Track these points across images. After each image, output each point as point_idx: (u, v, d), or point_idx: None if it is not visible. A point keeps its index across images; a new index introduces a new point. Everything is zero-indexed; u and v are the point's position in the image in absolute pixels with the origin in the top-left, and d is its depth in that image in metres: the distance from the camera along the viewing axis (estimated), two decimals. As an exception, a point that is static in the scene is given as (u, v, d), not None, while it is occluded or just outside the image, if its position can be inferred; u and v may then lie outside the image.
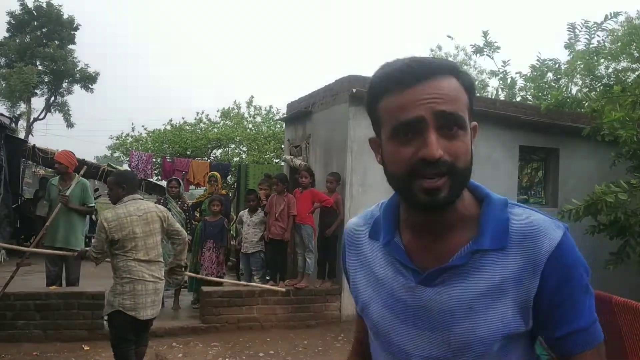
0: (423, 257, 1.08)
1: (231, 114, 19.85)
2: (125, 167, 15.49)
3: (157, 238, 4.21)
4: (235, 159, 17.74)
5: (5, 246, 5.84)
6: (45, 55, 26.60)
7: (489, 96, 14.03)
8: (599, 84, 8.35)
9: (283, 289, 6.77)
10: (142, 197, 4.36)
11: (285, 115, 10.33)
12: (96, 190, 13.98)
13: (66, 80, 28.28)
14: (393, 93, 0.99)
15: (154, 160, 13.95)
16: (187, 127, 19.08)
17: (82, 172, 6.64)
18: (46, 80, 27.86)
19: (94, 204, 6.81)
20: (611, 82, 7.93)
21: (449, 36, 24.68)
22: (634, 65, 8.63)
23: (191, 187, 14.26)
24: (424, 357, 1.07)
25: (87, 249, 4.41)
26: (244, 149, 18.60)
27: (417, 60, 1.00)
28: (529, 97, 10.90)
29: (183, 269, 4.78)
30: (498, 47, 9.94)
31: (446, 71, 0.99)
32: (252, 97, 20.12)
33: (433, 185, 0.96)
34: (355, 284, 1.23)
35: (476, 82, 17.75)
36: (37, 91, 27.59)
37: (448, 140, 0.96)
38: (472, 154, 1.01)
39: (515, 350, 1.06)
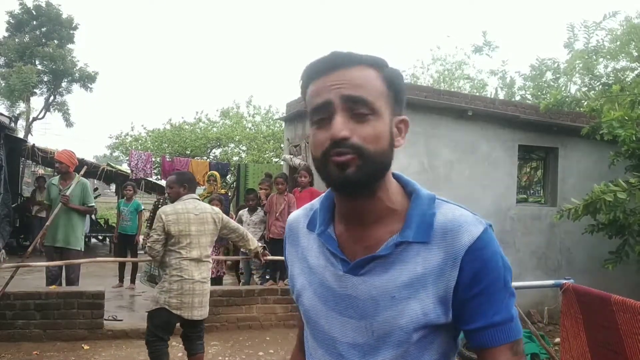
0: (353, 248, 1.13)
1: (230, 114, 19.86)
2: (125, 166, 15.49)
3: (209, 239, 4.29)
4: (234, 159, 17.77)
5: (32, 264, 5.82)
6: (45, 54, 26.56)
7: (488, 95, 14.04)
8: (598, 83, 8.35)
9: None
10: (200, 198, 4.49)
11: (284, 115, 10.33)
12: (96, 189, 13.99)
13: (65, 80, 28.24)
14: (312, 81, 1.08)
15: (153, 159, 13.93)
16: (187, 127, 19.10)
17: (82, 171, 6.65)
18: (45, 79, 27.82)
19: (93, 204, 6.82)
20: (610, 82, 7.93)
21: (447, 36, 24.65)
22: (633, 65, 8.63)
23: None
24: (348, 344, 1.11)
25: (146, 243, 4.41)
26: (244, 148, 18.62)
27: (338, 53, 1.07)
28: (528, 97, 10.90)
29: (263, 250, 5.01)
30: (497, 47, 9.94)
31: (362, 62, 1.05)
32: (252, 96, 20.20)
33: (340, 160, 1.01)
34: (292, 274, 1.28)
35: (466, 86, 17.76)
36: (37, 90, 27.55)
37: (357, 124, 1.02)
38: (391, 141, 1.07)
39: (436, 341, 1.09)
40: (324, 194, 1.25)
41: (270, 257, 5.30)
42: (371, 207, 1.10)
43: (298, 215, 1.32)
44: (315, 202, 1.28)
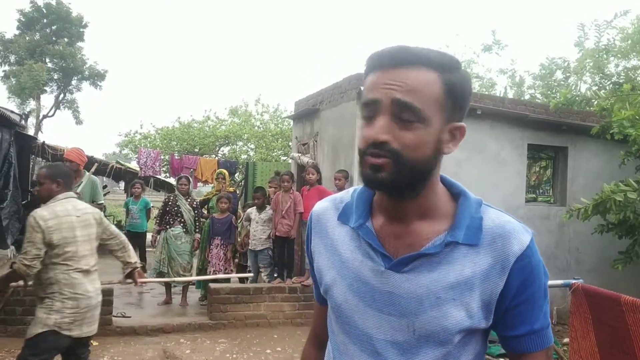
0: (394, 244, 1.11)
1: (239, 112, 19.89)
2: (134, 164, 15.55)
3: (94, 245, 3.63)
4: (243, 157, 17.79)
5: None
6: (55, 52, 26.74)
7: (498, 94, 13.99)
8: (609, 82, 8.29)
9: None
10: (76, 196, 3.74)
11: (293, 113, 10.34)
12: (105, 187, 14.04)
13: (75, 78, 28.43)
14: (371, 72, 1.05)
15: (162, 157, 14.00)
16: (196, 125, 19.14)
17: (92, 169, 6.69)
18: (55, 77, 28.02)
19: (102, 201, 6.86)
20: (621, 81, 7.87)
21: (456, 34, 24.58)
22: (644, 64, 8.57)
23: (199, 184, 14.31)
24: (387, 341, 1.09)
25: (14, 261, 3.65)
26: (252, 146, 18.64)
27: (402, 48, 1.02)
28: (538, 96, 10.85)
29: (139, 269, 4.06)
30: (506, 46, 9.92)
31: (425, 64, 1.01)
32: (260, 94, 20.21)
33: (374, 161, 1.01)
34: (318, 266, 1.25)
35: (475, 85, 17.72)
36: (47, 88, 27.77)
37: (401, 129, 1.00)
38: (437, 148, 1.04)
39: (473, 342, 1.11)
40: (360, 188, 1.22)
41: (143, 280, 4.54)
42: (415, 206, 1.09)
43: (325, 206, 1.28)
44: (344, 195, 1.26)
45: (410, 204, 1.08)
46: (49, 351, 3.43)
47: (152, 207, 9.34)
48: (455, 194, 1.14)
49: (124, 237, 3.93)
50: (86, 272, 3.51)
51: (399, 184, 1.02)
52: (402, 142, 0.99)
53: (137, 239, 9.13)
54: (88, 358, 3.76)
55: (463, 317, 1.04)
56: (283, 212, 6.92)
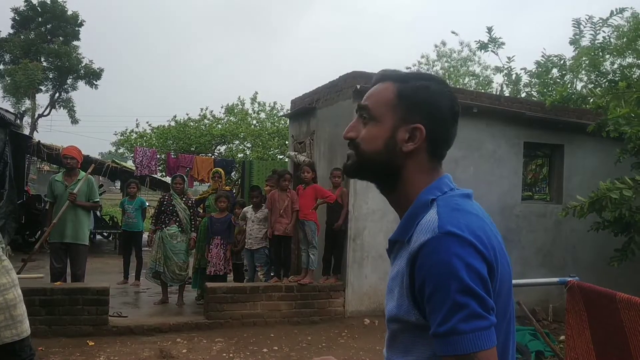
0: None
1: (235, 110, 19.85)
2: (130, 163, 15.52)
3: None
4: (239, 155, 17.77)
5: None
6: (50, 51, 26.67)
7: (494, 92, 13.99)
8: (604, 80, 8.30)
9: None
10: None
11: (289, 112, 10.33)
12: (101, 186, 14.00)
13: (71, 77, 28.36)
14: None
15: (158, 156, 13.95)
16: (192, 124, 19.10)
17: (90, 169, 6.69)
18: (51, 76, 27.95)
19: (98, 200, 6.84)
20: (616, 78, 7.88)
21: (453, 32, 24.60)
22: (639, 61, 8.58)
23: (195, 183, 14.29)
24: (386, 318, 1.27)
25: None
26: (248, 145, 18.62)
27: (381, 71, 1.29)
28: (534, 93, 10.86)
29: None
30: (503, 43, 9.89)
31: (389, 79, 1.25)
32: (256, 93, 20.12)
33: (348, 153, 1.27)
34: None
35: (471, 83, 17.74)
36: (42, 87, 27.70)
37: (363, 126, 1.24)
38: (391, 144, 1.20)
39: (423, 342, 1.11)
40: None
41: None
42: (394, 203, 1.27)
43: None
44: None
45: (391, 200, 1.28)
46: None
47: (148, 206, 9.31)
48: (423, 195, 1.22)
49: None
50: None
51: (359, 171, 1.27)
52: (361, 136, 1.24)
53: (133, 238, 9.13)
54: None
55: (393, 306, 1.17)
56: (281, 211, 6.91)
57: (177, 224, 7.31)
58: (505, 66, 11.10)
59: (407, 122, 1.20)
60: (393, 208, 1.29)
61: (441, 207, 1.13)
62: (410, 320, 1.12)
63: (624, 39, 7.85)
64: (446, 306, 1.02)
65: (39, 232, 10.80)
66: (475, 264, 1.03)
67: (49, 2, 27.09)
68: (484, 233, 1.08)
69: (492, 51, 10.05)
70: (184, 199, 7.47)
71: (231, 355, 5.57)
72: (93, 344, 5.71)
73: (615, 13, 7.65)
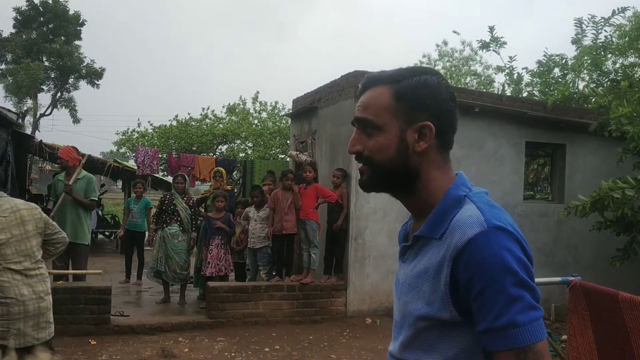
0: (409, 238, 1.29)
1: (237, 110, 19.84)
2: (132, 162, 15.53)
3: (32, 242, 3.24)
4: (240, 155, 17.76)
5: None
6: (52, 51, 26.69)
7: (495, 92, 13.98)
8: (606, 80, 8.28)
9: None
10: (5, 193, 3.38)
11: (290, 111, 10.32)
12: (102, 185, 14.06)
13: (72, 76, 28.40)
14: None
15: (159, 155, 13.95)
16: (193, 123, 19.09)
17: (83, 160, 6.69)
18: (52, 76, 28.00)
19: (96, 198, 6.83)
20: (618, 78, 7.87)
21: (454, 31, 24.57)
22: (641, 61, 8.57)
23: (197, 182, 14.29)
24: (395, 321, 1.29)
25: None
26: (250, 144, 18.60)
27: (367, 76, 1.26)
28: (536, 93, 10.84)
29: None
30: (504, 43, 9.87)
31: (381, 82, 1.22)
32: (258, 92, 20.09)
33: (359, 168, 1.25)
34: None
35: (473, 82, 17.71)
36: (44, 87, 27.74)
37: (367, 139, 1.21)
38: (402, 149, 1.18)
39: (454, 335, 1.11)
40: None
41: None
42: (412, 204, 1.25)
43: None
44: None
45: (409, 203, 1.25)
46: None
47: (152, 207, 9.34)
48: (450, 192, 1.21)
49: (66, 240, 3.56)
50: (20, 272, 3.17)
51: (378, 184, 1.24)
52: (369, 149, 1.20)
53: (135, 238, 9.15)
54: None
55: (422, 305, 1.14)
56: (285, 209, 6.91)
57: (178, 223, 7.31)
58: (507, 65, 11.09)
59: (414, 122, 1.18)
60: (409, 210, 1.27)
61: (478, 203, 1.14)
62: (442, 317, 1.10)
63: (626, 39, 7.83)
64: (502, 300, 1.03)
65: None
66: (523, 257, 1.07)
67: (50, 1, 27.12)
68: (519, 229, 1.13)
69: (493, 50, 10.03)
70: (185, 198, 7.47)
71: (233, 354, 5.57)
72: (95, 343, 5.72)
73: (617, 12, 7.64)
